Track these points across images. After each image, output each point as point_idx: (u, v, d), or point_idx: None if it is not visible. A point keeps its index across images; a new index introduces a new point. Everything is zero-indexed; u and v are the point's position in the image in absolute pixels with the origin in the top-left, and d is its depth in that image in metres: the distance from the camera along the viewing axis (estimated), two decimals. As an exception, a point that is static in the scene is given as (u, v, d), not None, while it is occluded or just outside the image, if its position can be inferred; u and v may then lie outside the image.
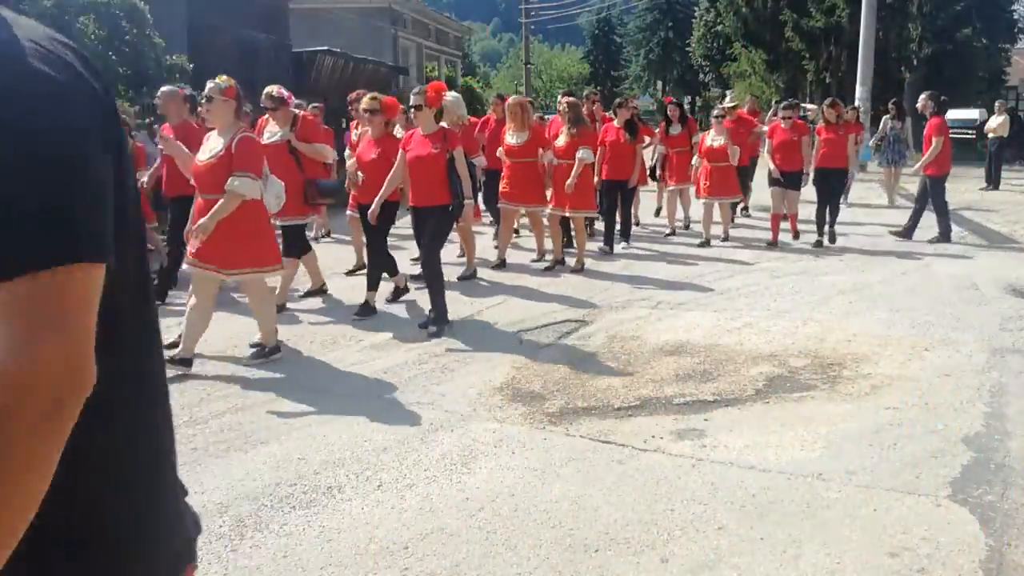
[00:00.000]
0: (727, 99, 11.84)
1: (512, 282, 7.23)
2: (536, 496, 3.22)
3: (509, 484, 3.32)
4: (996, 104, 16.17)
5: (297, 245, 6.41)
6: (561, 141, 7.66)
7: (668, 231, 10.13)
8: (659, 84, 53.12)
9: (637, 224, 10.29)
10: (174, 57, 10.57)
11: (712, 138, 9.19)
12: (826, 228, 8.94)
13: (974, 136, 25.44)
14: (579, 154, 7.51)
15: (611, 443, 3.73)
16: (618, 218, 8.98)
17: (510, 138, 7.69)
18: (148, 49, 9.76)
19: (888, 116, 13.04)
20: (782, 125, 8.97)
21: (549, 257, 8.11)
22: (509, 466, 3.50)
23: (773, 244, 9.07)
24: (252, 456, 3.65)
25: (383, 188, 5.83)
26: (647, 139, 9.85)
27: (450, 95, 7.03)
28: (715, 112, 9.69)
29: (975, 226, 10.56)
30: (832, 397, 4.31)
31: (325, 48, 18.74)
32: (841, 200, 12.60)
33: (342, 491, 3.29)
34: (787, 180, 8.89)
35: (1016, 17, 24.70)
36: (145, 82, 9.80)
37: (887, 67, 21.63)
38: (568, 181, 7.53)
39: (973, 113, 27.03)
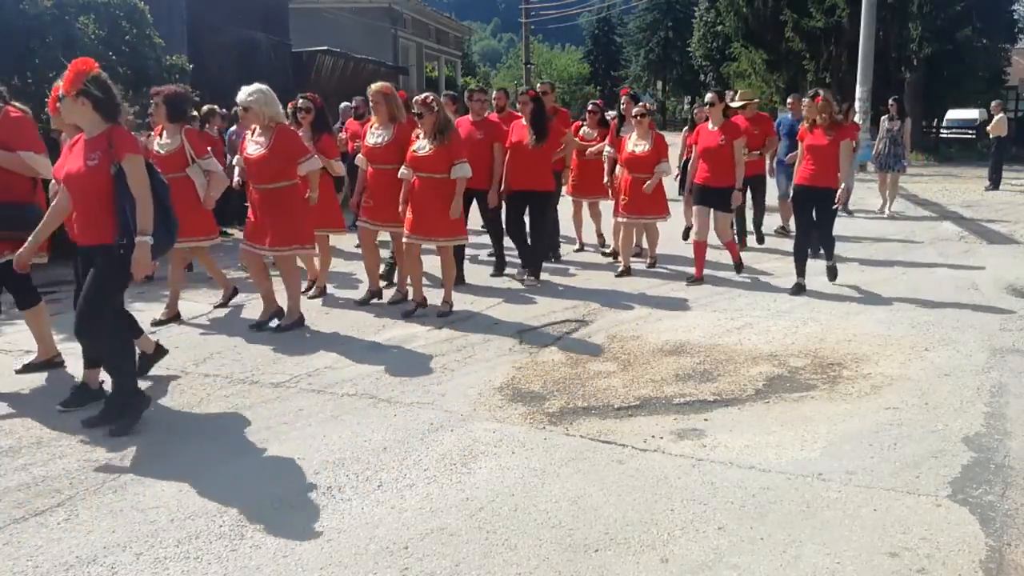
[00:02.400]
0: (737, 96, 9.17)
1: (511, 284, 7.22)
2: (536, 496, 3.22)
3: (509, 484, 3.32)
4: (992, 104, 16.14)
5: (23, 294, 4.68)
6: (424, 149, 5.80)
7: (608, 249, 8.47)
8: (659, 84, 53.15)
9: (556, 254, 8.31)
10: (174, 57, 10.56)
11: (635, 143, 7.26)
12: (820, 265, 6.93)
13: (974, 136, 25.53)
14: (456, 170, 5.81)
15: (611, 443, 3.73)
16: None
17: (371, 137, 6.15)
18: (148, 49, 9.74)
19: (886, 116, 11.90)
20: (709, 126, 7.02)
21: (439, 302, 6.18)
22: (509, 466, 3.50)
23: (697, 280, 7.04)
24: (252, 456, 3.65)
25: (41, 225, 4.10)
26: (608, 148, 8.00)
27: (254, 90, 5.45)
28: (636, 110, 7.34)
29: (975, 226, 10.56)
30: (832, 397, 4.31)
31: (325, 48, 18.74)
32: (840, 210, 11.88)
33: (342, 491, 3.29)
34: (715, 198, 6.94)
35: (1016, 17, 24.71)
36: (145, 82, 9.78)
37: (887, 67, 21.62)
38: (454, 205, 5.85)
39: (973, 113, 27.07)
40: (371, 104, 6.19)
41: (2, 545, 2.91)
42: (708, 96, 7.15)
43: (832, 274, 6.93)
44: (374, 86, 6.16)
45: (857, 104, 18.67)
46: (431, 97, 5.87)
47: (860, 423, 3.92)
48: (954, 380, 4.53)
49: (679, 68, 51.38)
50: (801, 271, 6.75)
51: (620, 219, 7.53)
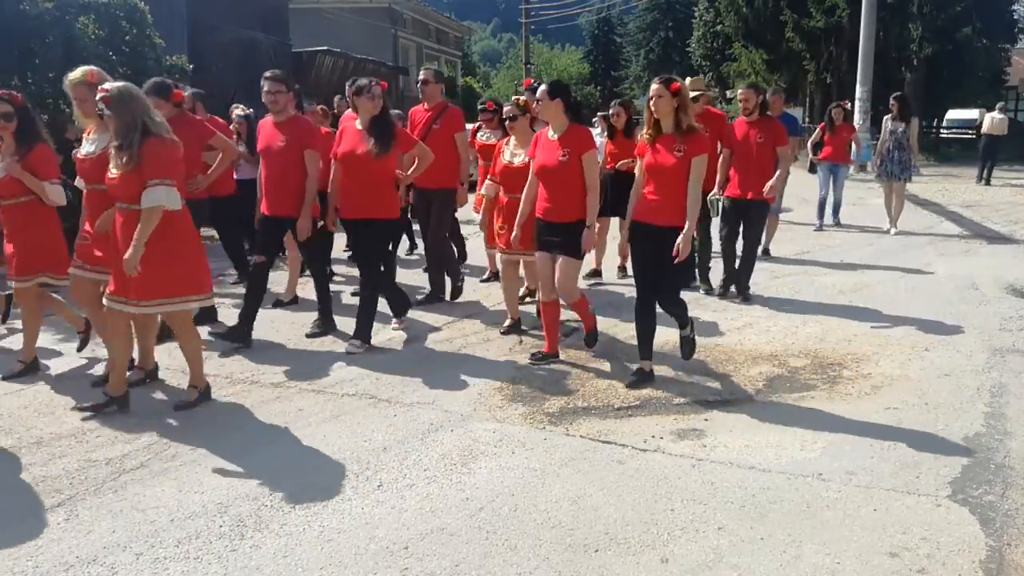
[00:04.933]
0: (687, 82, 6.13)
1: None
2: (536, 496, 3.22)
3: (509, 484, 3.32)
4: (999, 106, 16.95)
5: None
6: (113, 170, 3.94)
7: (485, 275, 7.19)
8: (659, 84, 53.06)
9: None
10: (174, 57, 10.57)
11: (512, 152, 5.45)
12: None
13: (974, 136, 25.58)
14: (146, 196, 3.83)
15: (611, 443, 3.73)
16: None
17: (86, 144, 4.41)
18: (148, 49, 9.75)
19: (888, 116, 9.97)
20: (549, 134, 4.76)
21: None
22: (509, 466, 3.50)
23: (547, 355, 4.96)
24: (252, 456, 3.65)
25: None
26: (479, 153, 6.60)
27: None
28: (507, 109, 5.52)
29: (975, 226, 10.56)
30: (832, 397, 4.31)
31: (325, 48, 18.78)
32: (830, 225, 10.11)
33: (342, 491, 3.29)
34: (559, 239, 4.72)
35: (1016, 17, 24.73)
36: (145, 82, 9.81)
37: (887, 67, 21.63)
38: (131, 252, 3.82)
39: (973, 113, 27.13)
40: (74, 101, 4.42)
41: (2, 545, 2.91)
42: (540, 90, 4.77)
43: (637, 382, 4.48)
44: (72, 76, 4.31)
45: (857, 104, 18.70)
46: (108, 93, 3.86)
47: (860, 423, 3.92)
48: (954, 380, 4.53)
49: (679, 68, 51.27)
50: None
51: (499, 255, 5.63)
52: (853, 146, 10.62)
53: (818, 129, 10.55)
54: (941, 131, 26.93)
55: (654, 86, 4.32)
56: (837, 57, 23.31)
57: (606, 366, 4.88)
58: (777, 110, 7.99)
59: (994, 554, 2.76)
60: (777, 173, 6.26)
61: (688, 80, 6.47)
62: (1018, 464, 3.44)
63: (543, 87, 4.77)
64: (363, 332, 5.22)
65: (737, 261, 6.53)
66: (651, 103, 4.32)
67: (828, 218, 10.33)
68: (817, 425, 3.90)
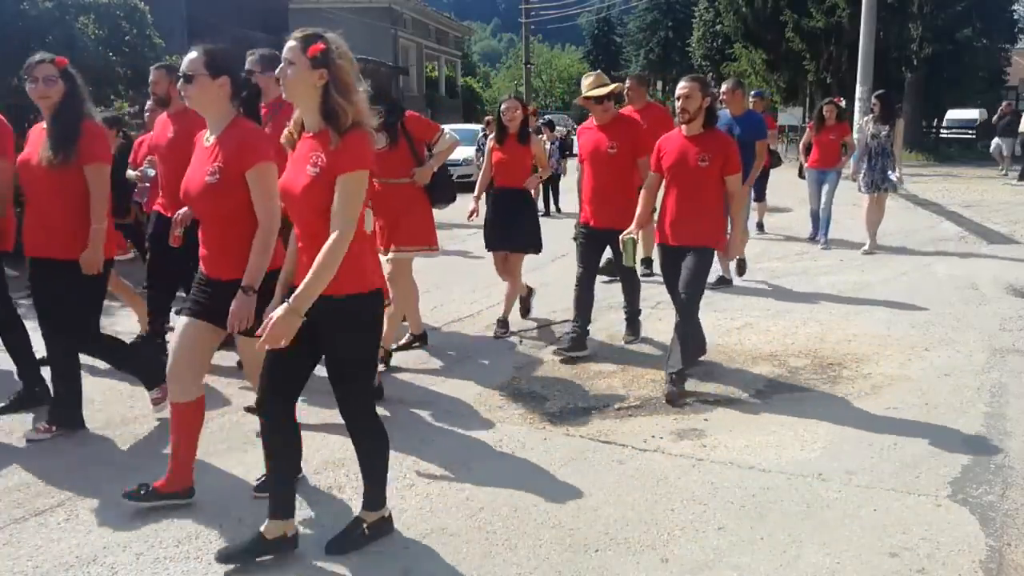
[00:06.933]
0: (589, 80, 5.09)
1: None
2: (536, 496, 3.22)
3: (509, 484, 3.32)
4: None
5: None
6: None
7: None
8: (659, 84, 53.14)
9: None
10: (174, 57, 10.59)
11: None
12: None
13: (974, 136, 25.61)
14: None
15: (611, 443, 3.73)
16: None
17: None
18: (148, 49, 9.77)
19: (870, 117, 8.60)
20: (205, 136, 3.04)
21: None
22: (509, 466, 3.50)
23: (174, 493, 3.12)
24: (252, 456, 3.64)
25: None
26: None
27: None
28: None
29: (975, 226, 10.56)
30: (832, 397, 4.31)
31: (325, 48, 18.79)
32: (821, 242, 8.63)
33: (342, 491, 3.29)
34: (208, 298, 3.07)
35: (1016, 17, 24.74)
36: (145, 82, 9.83)
37: (887, 67, 21.63)
38: None
39: (973, 113, 27.15)
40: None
41: (2, 545, 2.91)
42: (188, 58, 2.96)
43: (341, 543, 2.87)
44: None
45: (857, 104, 18.70)
46: None
47: (860, 423, 3.92)
48: (954, 380, 4.53)
49: (679, 68, 51.36)
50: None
51: (387, 255, 4.30)
52: (847, 150, 9.15)
53: (807, 129, 9.24)
54: (941, 131, 26.95)
55: (288, 44, 2.68)
56: (837, 57, 23.29)
57: (606, 367, 4.88)
58: (736, 108, 6.49)
59: (994, 554, 2.76)
60: (731, 230, 4.40)
61: (590, 77, 5.07)
62: (1018, 464, 3.44)
63: (195, 54, 2.95)
64: (60, 414, 3.83)
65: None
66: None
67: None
68: (817, 425, 3.90)
